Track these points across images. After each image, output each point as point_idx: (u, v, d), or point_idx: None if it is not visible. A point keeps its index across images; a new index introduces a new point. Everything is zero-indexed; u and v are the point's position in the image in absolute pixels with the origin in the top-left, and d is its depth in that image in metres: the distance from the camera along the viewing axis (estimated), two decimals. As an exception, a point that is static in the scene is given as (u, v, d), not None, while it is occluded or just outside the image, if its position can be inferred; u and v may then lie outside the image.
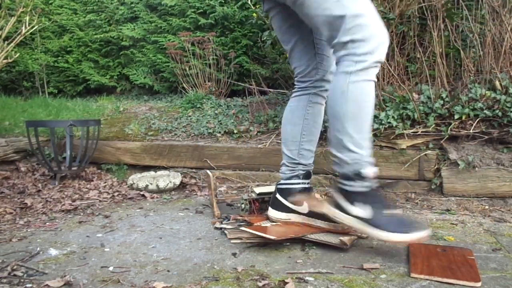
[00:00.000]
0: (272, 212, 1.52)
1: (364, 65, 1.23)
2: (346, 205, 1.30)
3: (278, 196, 1.52)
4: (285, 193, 1.51)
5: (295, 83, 1.57)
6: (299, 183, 1.51)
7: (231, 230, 1.49)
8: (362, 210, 1.27)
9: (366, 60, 1.23)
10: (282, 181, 1.54)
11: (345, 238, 1.34)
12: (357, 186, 1.29)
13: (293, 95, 1.57)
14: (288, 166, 1.54)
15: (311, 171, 1.55)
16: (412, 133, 2.17)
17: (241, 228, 1.47)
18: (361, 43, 1.22)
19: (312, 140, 1.54)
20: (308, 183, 1.53)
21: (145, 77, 3.90)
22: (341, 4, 1.21)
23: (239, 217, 1.63)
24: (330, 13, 1.23)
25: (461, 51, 2.37)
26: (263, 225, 1.47)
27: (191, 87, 3.44)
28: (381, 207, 1.27)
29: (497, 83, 2.18)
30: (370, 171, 1.29)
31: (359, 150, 1.28)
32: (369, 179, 1.29)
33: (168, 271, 1.18)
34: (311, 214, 1.46)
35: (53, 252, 1.35)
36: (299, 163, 1.52)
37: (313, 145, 1.55)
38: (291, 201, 1.49)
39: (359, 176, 1.28)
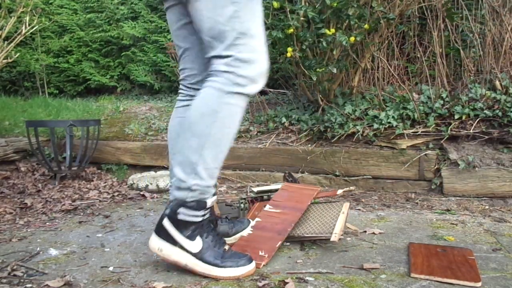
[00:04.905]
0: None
1: (242, 90, 1.12)
2: (177, 236, 1.14)
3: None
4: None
5: (182, 88, 1.37)
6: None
7: None
8: (193, 243, 1.14)
9: (245, 85, 1.12)
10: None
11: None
12: (195, 216, 1.15)
13: (180, 104, 1.37)
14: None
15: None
16: (412, 133, 2.17)
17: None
18: (245, 64, 1.11)
19: None
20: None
21: (145, 75, 3.91)
22: (237, 15, 1.09)
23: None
24: (222, 20, 1.09)
25: (461, 51, 2.37)
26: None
27: (191, 87, 3.44)
28: (214, 240, 1.17)
29: (497, 83, 2.17)
30: (211, 200, 1.18)
31: (210, 181, 1.15)
32: (207, 209, 1.17)
33: (168, 271, 1.18)
34: (218, 233, 1.27)
35: (53, 252, 1.35)
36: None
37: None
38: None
39: (200, 206, 1.15)
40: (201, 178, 1.13)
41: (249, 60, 1.11)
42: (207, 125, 1.12)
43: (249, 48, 1.12)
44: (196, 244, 1.14)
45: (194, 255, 1.14)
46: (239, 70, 1.11)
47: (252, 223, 1.41)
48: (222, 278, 1.12)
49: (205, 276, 1.13)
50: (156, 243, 1.16)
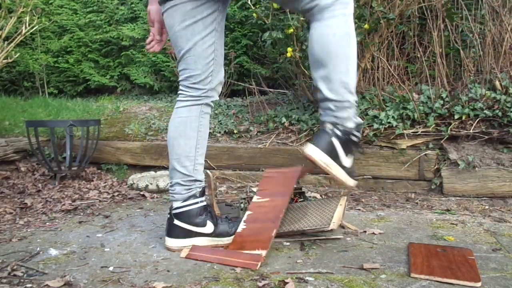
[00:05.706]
0: (171, 242, 1.36)
1: (351, 10, 1.23)
2: (342, 155, 1.27)
3: (177, 222, 1.36)
4: (185, 217, 1.36)
5: (183, 89, 1.38)
6: (197, 202, 1.37)
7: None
8: (349, 160, 1.29)
9: (349, 4, 1.23)
10: (178, 204, 1.37)
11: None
12: (358, 136, 1.29)
13: (181, 104, 1.38)
14: (183, 185, 1.36)
15: (204, 187, 1.43)
16: (412, 133, 2.17)
17: None
18: None
19: (203, 153, 1.41)
20: (204, 201, 1.40)
21: (145, 77, 3.91)
22: None
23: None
24: None
25: (461, 51, 2.37)
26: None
27: (191, 87, 3.44)
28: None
29: (497, 83, 2.17)
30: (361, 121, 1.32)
31: (355, 95, 1.27)
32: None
33: (168, 271, 1.18)
34: (218, 233, 1.38)
35: (53, 252, 1.35)
36: (195, 180, 1.37)
37: (203, 158, 1.42)
38: (194, 223, 1.36)
39: (359, 126, 1.28)
40: (353, 93, 1.25)
41: None
42: (345, 48, 1.22)
43: None
44: (350, 160, 1.29)
45: (346, 169, 1.28)
46: None
47: (244, 217, 1.41)
48: (354, 187, 1.33)
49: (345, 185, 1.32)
50: (325, 159, 1.26)
